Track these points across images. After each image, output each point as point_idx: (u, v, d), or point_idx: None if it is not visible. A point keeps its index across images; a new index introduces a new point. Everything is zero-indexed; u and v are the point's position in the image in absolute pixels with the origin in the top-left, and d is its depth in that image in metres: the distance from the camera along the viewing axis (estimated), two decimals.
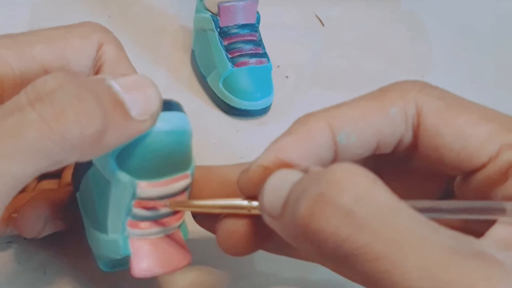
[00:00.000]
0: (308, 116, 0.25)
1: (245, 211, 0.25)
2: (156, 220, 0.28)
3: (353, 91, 0.56)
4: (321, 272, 0.36)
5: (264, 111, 0.48)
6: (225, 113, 0.48)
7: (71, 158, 0.22)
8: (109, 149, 0.24)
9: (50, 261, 0.35)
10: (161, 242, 0.28)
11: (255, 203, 0.25)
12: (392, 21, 0.63)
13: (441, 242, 0.18)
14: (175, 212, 0.29)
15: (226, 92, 0.47)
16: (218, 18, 0.48)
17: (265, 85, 0.47)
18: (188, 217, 0.31)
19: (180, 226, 0.30)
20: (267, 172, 0.24)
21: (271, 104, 0.48)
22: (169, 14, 0.58)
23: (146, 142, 0.25)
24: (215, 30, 0.48)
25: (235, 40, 0.48)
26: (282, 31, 0.57)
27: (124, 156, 0.26)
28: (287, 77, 0.53)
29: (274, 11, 0.59)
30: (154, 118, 0.25)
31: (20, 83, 0.23)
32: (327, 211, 0.19)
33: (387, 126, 0.24)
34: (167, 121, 0.26)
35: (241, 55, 0.47)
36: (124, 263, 0.29)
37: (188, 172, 0.28)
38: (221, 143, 0.45)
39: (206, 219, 0.31)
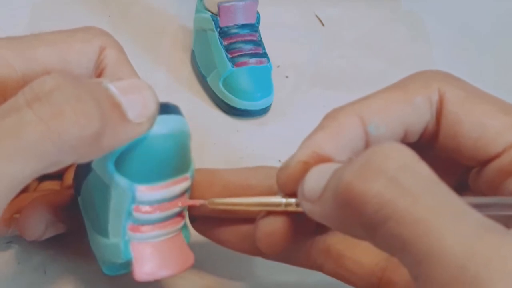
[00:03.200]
0: (337, 110, 0.26)
1: (280, 208, 0.26)
2: (157, 223, 0.28)
3: (353, 91, 0.56)
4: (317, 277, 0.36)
5: (264, 111, 0.48)
6: (225, 113, 0.48)
7: (68, 159, 0.22)
8: (106, 151, 0.24)
9: (50, 261, 0.35)
10: (163, 245, 0.29)
11: (291, 200, 0.26)
12: (392, 21, 0.63)
13: (477, 218, 0.19)
14: (176, 215, 0.29)
15: (226, 92, 0.47)
16: (218, 18, 0.48)
17: (265, 85, 0.47)
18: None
19: (182, 228, 0.30)
20: (306, 167, 0.24)
21: (271, 104, 0.48)
22: (169, 14, 0.58)
23: (144, 146, 0.26)
24: (215, 30, 0.48)
25: (235, 40, 0.48)
26: (282, 31, 0.57)
27: (122, 160, 0.26)
28: (287, 77, 0.53)
29: (274, 11, 0.58)
30: (151, 121, 0.25)
31: (23, 85, 0.23)
32: (371, 175, 0.20)
33: (412, 115, 0.25)
34: (164, 124, 0.26)
35: (241, 55, 0.47)
36: (126, 266, 0.29)
37: (188, 174, 0.28)
38: (221, 143, 0.45)
39: (204, 224, 0.31)
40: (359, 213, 0.20)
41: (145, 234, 0.28)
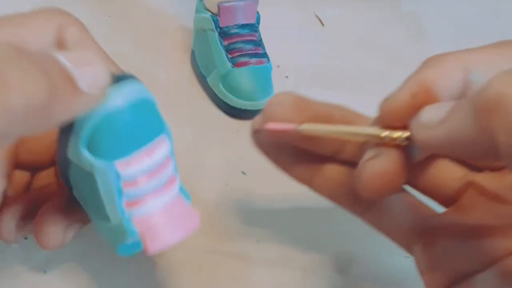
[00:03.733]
0: (441, 55, 0.26)
1: (379, 140, 0.25)
2: (151, 193, 0.28)
3: (353, 91, 0.57)
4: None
5: None
6: (225, 113, 0.48)
7: (19, 131, 0.22)
8: (59, 121, 0.23)
9: (50, 261, 0.35)
10: (165, 212, 0.28)
11: (396, 133, 0.25)
12: (392, 21, 0.63)
13: None
14: (168, 180, 0.29)
15: (226, 92, 0.47)
16: (218, 18, 0.48)
17: (265, 85, 0.47)
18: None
19: (179, 190, 0.30)
20: (415, 100, 0.24)
21: None
22: (169, 14, 0.58)
23: (108, 122, 0.25)
24: (215, 30, 0.48)
25: (235, 40, 0.48)
26: (282, 31, 0.57)
27: (93, 142, 0.26)
28: (287, 77, 0.53)
29: (274, 11, 0.58)
30: (103, 91, 0.25)
31: None
32: None
33: None
34: (122, 95, 0.26)
35: (241, 55, 0.47)
36: (137, 243, 0.29)
37: (163, 135, 0.28)
38: (221, 143, 0.45)
39: (267, 139, 0.30)
40: (508, 115, 0.19)
41: (143, 206, 0.28)
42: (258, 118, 0.29)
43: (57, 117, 0.23)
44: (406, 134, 0.25)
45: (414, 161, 0.26)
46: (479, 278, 0.26)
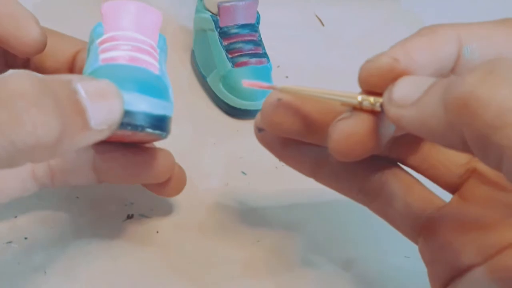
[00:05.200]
0: (437, 25, 0.25)
1: (355, 104, 0.25)
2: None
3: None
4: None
5: None
6: (225, 113, 0.48)
7: (21, 163, 0.22)
8: (62, 155, 0.24)
9: (50, 261, 0.35)
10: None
11: (370, 98, 0.25)
12: (392, 21, 0.63)
13: None
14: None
15: (226, 92, 0.47)
16: (218, 18, 0.48)
17: None
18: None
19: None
20: (396, 66, 0.24)
21: None
22: (169, 14, 0.58)
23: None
24: (215, 30, 0.48)
25: (235, 40, 0.48)
26: (282, 31, 0.57)
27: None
28: (287, 77, 0.53)
29: (274, 11, 0.59)
30: (112, 128, 0.25)
31: None
32: (497, 82, 0.19)
33: (509, 49, 0.24)
34: None
35: (241, 55, 0.47)
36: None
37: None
38: (221, 143, 0.45)
39: (270, 137, 0.31)
40: (475, 117, 0.19)
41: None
42: (258, 116, 0.30)
43: (61, 151, 0.23)
44: (379, 101, 0.24)
45: (392, 128, 0.26)
46: (477, 272, 0.26)
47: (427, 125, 0.21)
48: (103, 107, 0.24)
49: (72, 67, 0.34)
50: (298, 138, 0.29)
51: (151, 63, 0.30)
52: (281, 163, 0.44)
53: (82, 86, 0.24)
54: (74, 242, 0.36)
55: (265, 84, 0.28)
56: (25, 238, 0.36)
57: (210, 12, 0.49)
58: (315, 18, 0.61)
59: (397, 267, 0.37)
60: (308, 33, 0.59)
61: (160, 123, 0.29)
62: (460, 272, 0.27)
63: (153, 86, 0.29)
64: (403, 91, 0.23)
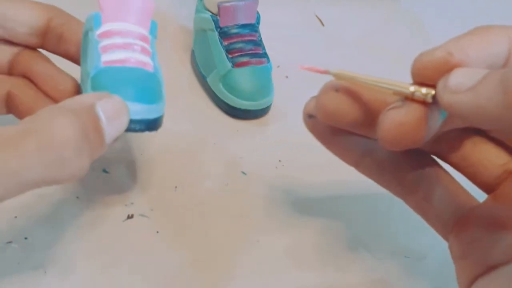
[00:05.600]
0: (490, 26, 0.26)
1: (408, 94, 0.25)
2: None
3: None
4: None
5: (264, 111, 0.48)
6: (225, 113, 0.48)
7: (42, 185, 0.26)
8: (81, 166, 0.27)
9: (50, 261, 0.35)
10: None
11: (424, 89, 0.25)
12: (392, 21, 0.63)
13: None
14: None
15: (226, 92, 0.47)
16: (218, 18, 0.48)
17: (265, 85, 0.47)
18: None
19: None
20: (449, 59, 0.25)
21: (271, 104, 0.48)
22: (169, 14, 0.58)
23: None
24: (215, 30, 0.48)
25: (235, 40, 0.48)
26: (282, 31, 0.57)
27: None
28: (287, 77, 0.53)
29: (274, 11, 0.59)
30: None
31: None
32: None
33: None
34: None
35: (241, 55, 0.47)
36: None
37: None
38: (221, 143, 0.45)
39: (321, 125, 0.31)
40: None
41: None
42: (311, 103, 0.30)
43: (81, 155, 0.27)
44: (432, 92, 0.25)
45: (439, 122, 0.26)
46: (504, 270, 0.26)
47: (484, 108, 0.22)
48: (116, 126, 0.29)
49: (45, 35, 0.37)
50: (350, 129, 0.30)
51: (146, 63, 0.35)
52: (281, 163, 0.44)
53: (102, 108, 0.28)
54: (74, 242, 0.36)
55: (320, 68, 0.28)
56: (25, 238, 0.36)
57: (210, 12, 0.49)
58: (315, 18, 0.61)
59: (397, 267, 0.37)
60: (308, 33, 0.59)
61: (154, 124, 0.34)
62: (488, 269, 0.27)
63: (150, 91, 0.33)
64: (459, 79, 0.24)
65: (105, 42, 0.34)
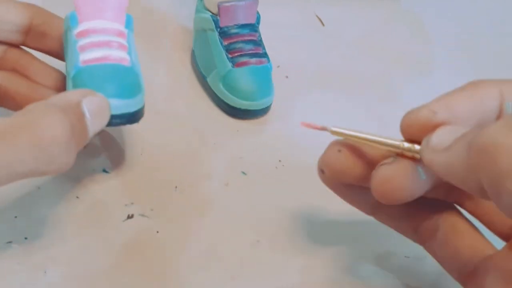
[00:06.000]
0: (482, 81, 0.27)
1: (398, 151, 0.27)
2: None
3: (353, 91, 0.57)
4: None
5: (264, 111, 0.48)
6: (225, 113, 0.48)
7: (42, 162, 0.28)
8: (64, 155, 0.30)
9: (50, 261, 0.35)
10: None
11: (412, 146, 0.27)
12: (392, 21, 0.63)
13: None
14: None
15: (226, 92, 0.47)
16: (218, 18, 0.48)
17: (265, 85, 0.47)
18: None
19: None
20: (433, 118, 0.26)
21: (271, 104, 0.48)
22: (169, 14, 0.58)
23: None
24: (215, 30, 0.48)
25: (235, 40, 0.48)
26: (282, 31, 0.57)
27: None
28: (287, 77, 0.53)
29: (274, 11, 0.58)
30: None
31: None
32: None
33: None
34: None
35: (241, 55, 0.47)
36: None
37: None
38: (221, 143, 0.45)
39: (332, 179, 0.32)
40: (492, 163, 0.21)
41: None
42: (320, 159, 0.32)
43: (68, 151, 0.29)
44: (417, 148, 0.26)
45: (424, 176, 0.27)
46: None
47: (451, 168, 0.23)
48: (99, 122, 0.32)
49: (28, 32, 0.39)
50: (357, 183, 0.31)
51: (122, 58, 0.36)
52: (281, 163, 0.44)
53: (86, 106, 0.31)
54: (74, 242, 0.36)
55: (318, 125, 0.30)
56: (25, 238, 0.36)
57: (210, 12, 0.49)
58: (315, 18, 0.61)
59: (397, 267, 0.37)
60: (308, 33, 0.59)
61: (135, 117, 0.36)
62: None
63: (128, 86, 0.35)
64: (440, 138, 0.25)
65: (82, 41, 0.36)
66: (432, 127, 0.26)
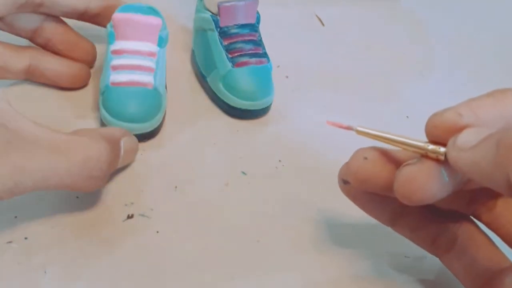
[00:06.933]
0: (507, 89, 0.27)
1: (422, 152, 0.27)
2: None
3: (353, 91, 0.57)
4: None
5: (264, 111, 0.48)
6: (225, 113, 0.48)
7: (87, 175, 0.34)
8: (100, 175, 0.36)
9: (50, 261, 0.35)
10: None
11: (437, 147, 0.27)
12: (392, 21, 0.63)
13: None
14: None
15: (226, 92, 0.47)
16: (218, 18, 0.48)
17: (265, 85, 0.47)
18: None
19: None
20: (460, 120, 0.26)
21: (271, 104, 0.48)
22: (169, 14, 0.58)
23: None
24: (215, 30, 0.48)
25: (235, 40, 0.48)
26: (282, 31, 0.57)
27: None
28: (287, 77, 0.53)
29: (274, 11, 0.58)
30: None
31: None
32: None
33: None
34: None
35: (241, 55, 0.47)
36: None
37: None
38: (221, 143, 0.45)
39: (355, 190, 0.32)
40: None
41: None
42: (343, 169, 0.32)
43: (103, 175, 0.35)
44: (443, 149, 0.27)
45: (447, 178, 0.27)
46: None
47: (477, 165, 0.24)
48: (127, 158, 0.39)
49: (27, 73, 0.44)
50: (382, 192, 0.31)
51: (147, 83, 0.42)
52: (281, 163, 0.44)
53: (124, 143, 0.37)
54: (74, 242, 0.36)
55: (344, 124, 0.30)
56: (25, 238, 0.36)
57: (210, 12, 0.49)
58: (315, 18, 0.61)
59: (397, 267, 0.37)
60: (308, 33, 0.59)
61: (151, 135, 0.43)
62: None
63: (148, 110, 0.41)
64: (467, 138, 0.25)
65: (116, 61, 0.42)
66: (458, 130, 0.26)
